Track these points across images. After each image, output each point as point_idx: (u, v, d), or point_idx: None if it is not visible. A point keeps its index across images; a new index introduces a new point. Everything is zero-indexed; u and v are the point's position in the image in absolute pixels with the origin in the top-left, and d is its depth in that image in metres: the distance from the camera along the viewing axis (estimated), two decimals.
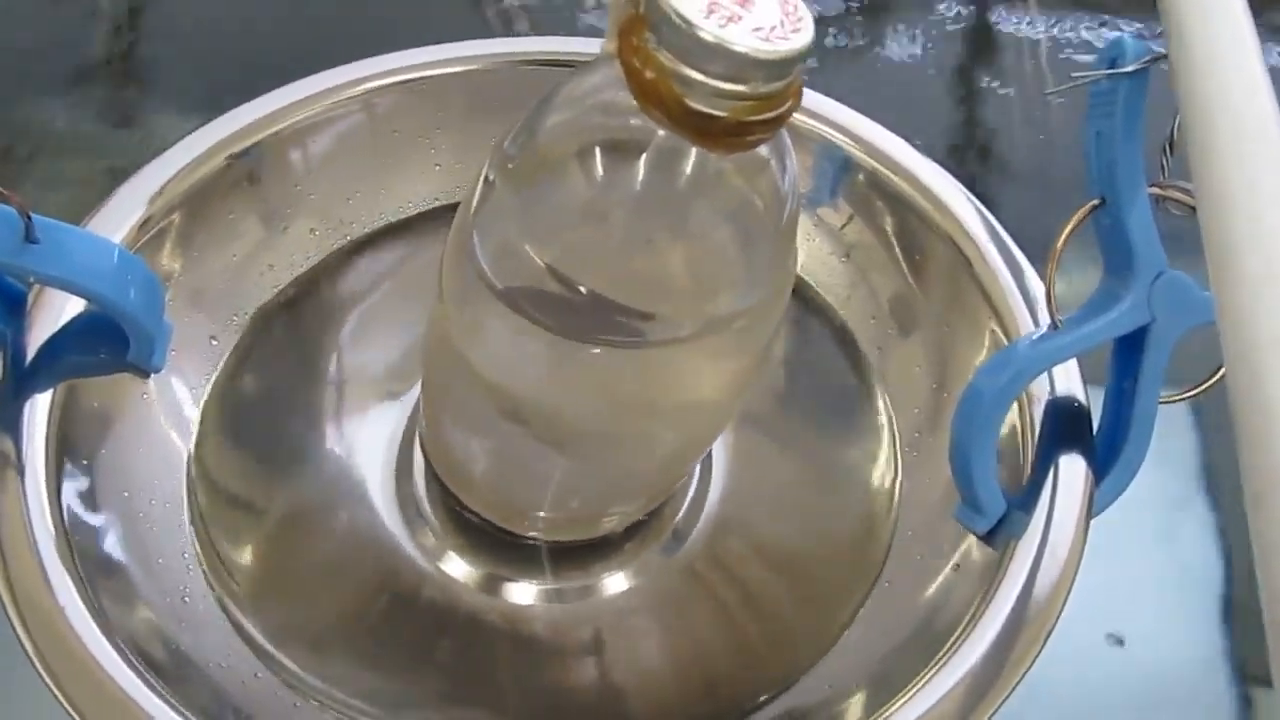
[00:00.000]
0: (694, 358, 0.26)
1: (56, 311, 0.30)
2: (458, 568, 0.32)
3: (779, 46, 0.20)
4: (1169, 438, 0.39)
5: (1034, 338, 0.28)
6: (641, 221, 0.24)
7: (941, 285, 0.34)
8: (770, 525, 0.33)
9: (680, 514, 0.33)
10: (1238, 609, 0.36)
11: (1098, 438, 0.29)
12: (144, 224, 0.32)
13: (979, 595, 0.28)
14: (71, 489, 0.28)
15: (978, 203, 0.34)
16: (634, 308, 0.24)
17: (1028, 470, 0.30)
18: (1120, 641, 0.35)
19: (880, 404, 0.34)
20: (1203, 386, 0.28)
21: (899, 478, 0.33)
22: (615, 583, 0.32)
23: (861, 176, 0.35)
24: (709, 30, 0.20)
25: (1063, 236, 0.26)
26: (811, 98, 0.36)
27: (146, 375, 0.31)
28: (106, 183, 0.32)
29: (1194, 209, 0.24)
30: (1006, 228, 0.34)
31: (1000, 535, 0.29)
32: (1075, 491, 0.29)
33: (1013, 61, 0.51)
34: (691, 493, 0.33)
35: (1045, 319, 0.31)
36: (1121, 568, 0.36)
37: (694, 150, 0.23)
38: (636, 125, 0.22)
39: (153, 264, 0.31)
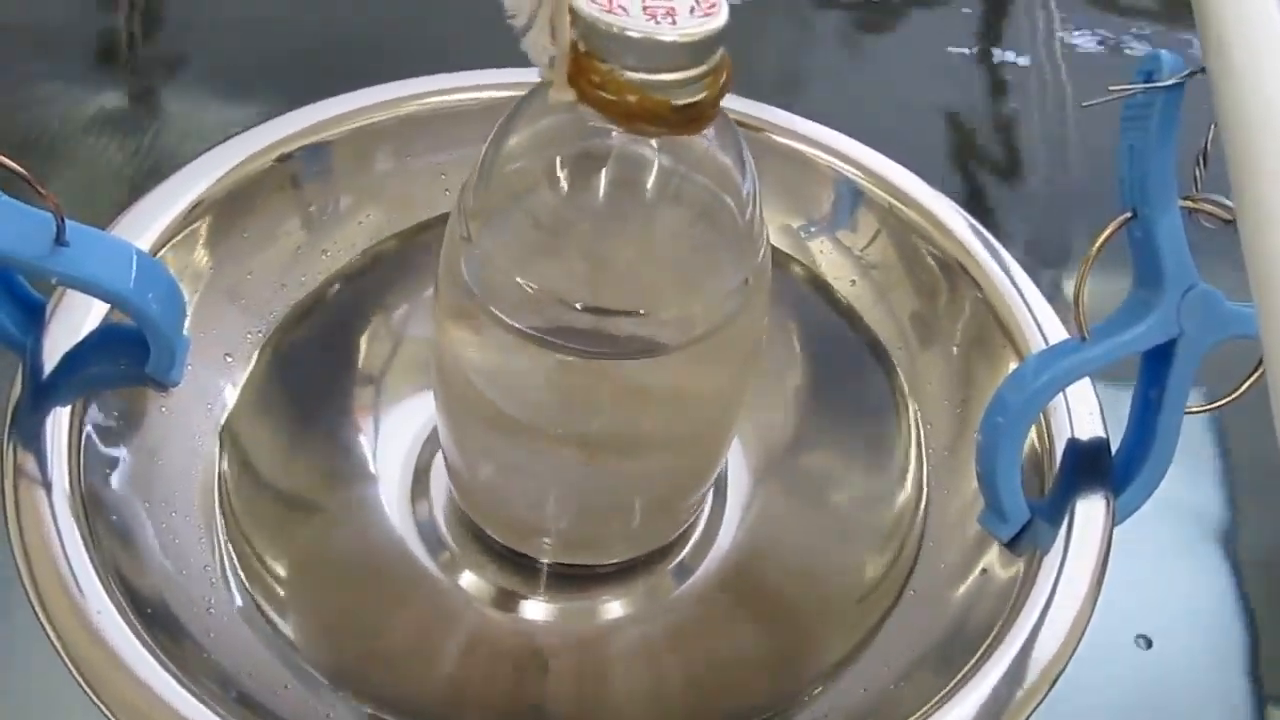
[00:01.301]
0: (694, 363, 0.26)
1: (75, 322, 0.30)
2: (473, 585, 0.32)
3: (719, 14, 0.22)
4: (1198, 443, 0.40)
5: (1061, 349, 0.28)
6: (620, 232, 0.25)
7: (954, 307, 0.35)
8: (794, 533, 0.33)
9: (702, 525, 0.33)
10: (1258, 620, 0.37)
11: (1124, 444, 0.30)
12: (165, 236, 0.32)
13: (1004, 606, 0.28)
14: (94, 502, 0.28)
15: (982, 228, 0.35)
16: (627, 311, 0.25)
17: (1050, 480, 0.30)
18: (1149, 644, 0.36)
19: (908, 415, 0.34)
20: (1230, 397, 0.28)
21: (924, 489, 0.33)
22: (632, 587, 0.32)
23: (874, 207, 0.36)
24: (668, 33, 0.21)
25: (1094, 249, 0.26)
26: (826, 134, 0.37)
27: (165, 389, 0.31)
28: (125, 173, 0.32)
29: (1227, 221, 0.25)
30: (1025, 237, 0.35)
31: (1024, 542, 0.29)
32: (1096, 512, 0.29)
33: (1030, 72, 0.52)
34: (709, 505, 0.33)
35: (1054, 338, 0.32)
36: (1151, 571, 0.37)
37: (655, 156, 0.24)
38: (593, 144, 0.23)
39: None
